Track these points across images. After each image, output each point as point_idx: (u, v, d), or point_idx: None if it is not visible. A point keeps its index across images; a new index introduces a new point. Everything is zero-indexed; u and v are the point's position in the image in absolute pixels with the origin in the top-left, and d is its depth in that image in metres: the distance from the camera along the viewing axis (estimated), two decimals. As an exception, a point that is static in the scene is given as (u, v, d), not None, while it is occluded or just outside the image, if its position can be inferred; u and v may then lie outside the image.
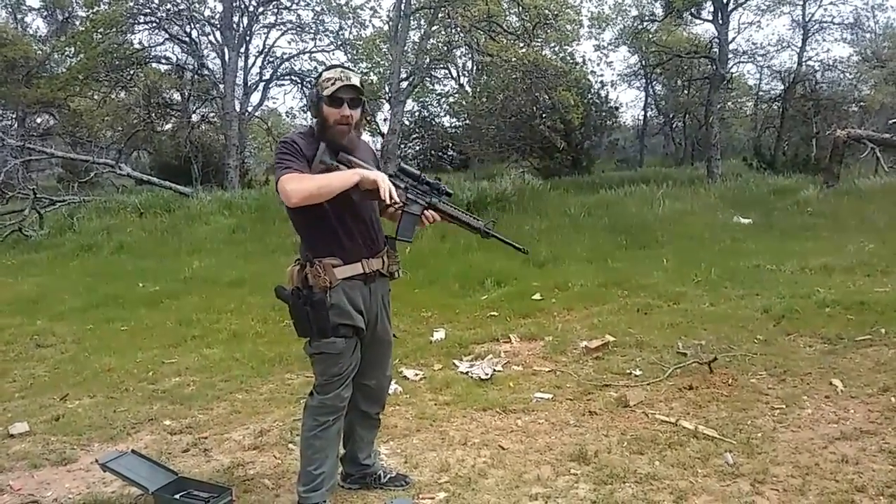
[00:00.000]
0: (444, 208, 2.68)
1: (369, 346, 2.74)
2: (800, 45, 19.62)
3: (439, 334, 5.38)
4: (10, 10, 23.72)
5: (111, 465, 2.89)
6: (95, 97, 19.55)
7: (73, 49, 17.47)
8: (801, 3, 19.06)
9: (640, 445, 3.31)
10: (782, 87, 20.26)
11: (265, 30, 18.92)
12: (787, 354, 4.52)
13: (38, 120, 23.66)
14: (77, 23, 20.56)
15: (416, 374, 4.48)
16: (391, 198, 2.46)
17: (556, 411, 3.82)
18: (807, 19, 19.26)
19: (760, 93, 23.32)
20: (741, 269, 7.12)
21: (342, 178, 2.46)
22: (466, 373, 4.48)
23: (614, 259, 8.05)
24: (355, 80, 2.52)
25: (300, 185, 2.41)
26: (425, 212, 2.65)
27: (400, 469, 3.14)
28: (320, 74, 2.61)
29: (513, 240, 2.87)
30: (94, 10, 16.58)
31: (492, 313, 6.02)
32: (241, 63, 18.18)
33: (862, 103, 19.64)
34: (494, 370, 4.48)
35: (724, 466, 3.07)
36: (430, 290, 6.70)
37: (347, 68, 2.61)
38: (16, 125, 21.04)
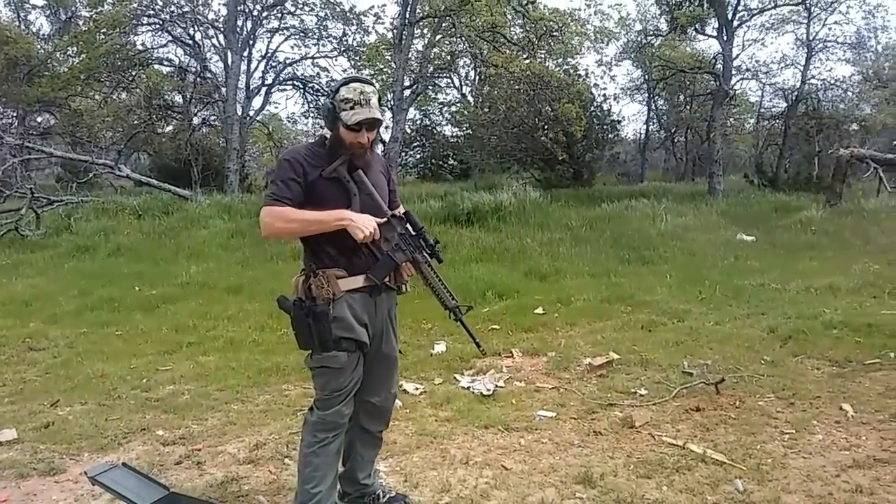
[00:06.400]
0: (425, 270, 2.60)
1: (374, 362, 2.64)
2: (803, 63, 19.64)
3: (440, 347, 5.29)
4: (13, 7, 23.71)
5: (100, 478, 2.78)
6: (96, 97, 19.46)
7: (75, 48, 17.43)
8: (806, 21, 19.09)
9: (647, 469, 3.22)
10: (785, 105, 20.25)
11: (269, 34, 18.90)
12: (794, 377, 4.43)
13: (39, 119, 23.55)
14: (80, 22, 20.50)
15: (417, 388, 4.38)
16: (363, 235, 2.40)
17: (560, 430, 3.73)
18: (811, 38, 19.27)
19: (762, 110, 23.35)
20: (746, 287, 7.05)
21: (320, 224, 2.42)
22: (468, 388, 4.38)
23: (617, 274, 7.97)
24: (374, 102, 2.43)
25: (273, 222, 2.43)
26: (406, 263, 2.57)
27: (399, 488, 3.04)
28: (338, 89, 2.47)
29: (477, 334, 2.80)
30: (98, 10, 16.56)
31: (493, 326, 5.93)
32: (243, 67, 18.13)
33: (864, 123, 19.62)
34: (496, 386, 4.38)
35: (735, 494, 2.97)
36: (430, 301, 6.53)
37: (366, 81, 2.48)
38: (15, 123, 20.92)
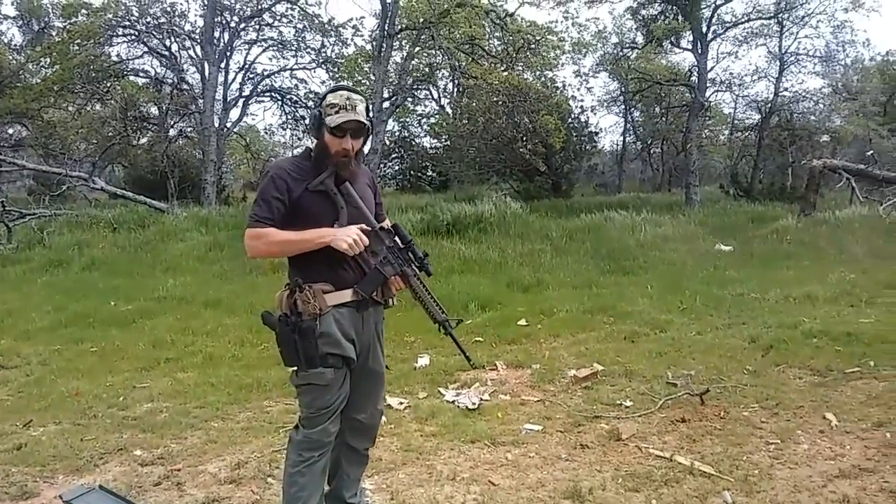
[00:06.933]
0: (414, 284, 2.54)
1: (360, 378, 2.59)
2: (776, 76, 20.01)
3: (423, 360, 5.24)
4: (-16, 19, 23.31)
5: (76, 502, 2.70)
6: (70, 109, 19.16)
7: (48, 59, 17.18)
8: (778, 35, 19.47)
9: (635, 482, 3.20)
10: (758, 117, 20.60)
11: (246, 46, 18.81)
12: (777, 386, 4.45)
13: (10, 131, 23.14)
14: (53, 33, 20.21)
15: (401, 403, 4.32)
16: (347, 245, 2.34)
17: (547, 444, 3.69)
18: (783, 51, 19.65)
19: (736, 121, 23.73)
20: (725, 297, 7.10)
21: (303, 244, 2.39)
22: (453, 402, 4.34)
23: (598, 285, 8.00)
24: (361, 109, 2.40)
25: (256, 245, 2.41)
26: (395, 277, 2.52)
27: (386, 507, 2.98)
28: (325, 96, 2.46)
29: (466, 348, 2.71)
30: (72, 21, 16.35)
31: (477, 339, 5.90)
32: (220, 78, 17.99)
33: (835, 134, 20.01)
34: (482, 399, 4.34)
35: (724, 506, 2.96)
36: (412, 314, 6.49)
37: (353, 90, 2.46)
38: (-14, 136, 20.57)
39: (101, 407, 4.43)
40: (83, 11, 16.29)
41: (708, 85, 18.40)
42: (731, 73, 21.54)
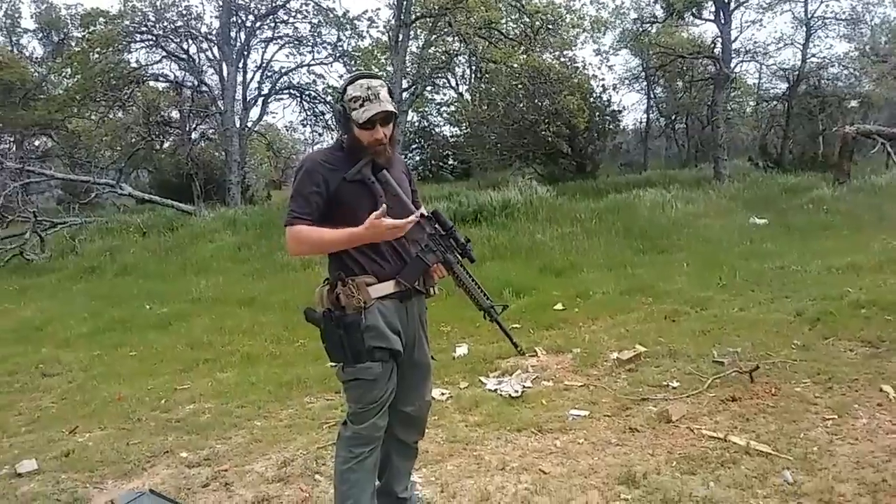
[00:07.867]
0: (458, 271, 2.46)
1: (407, 370, 2.52)
2: (802, 42, 19.44)
3: (462, 349, 5.19)
4: (5, 32, 23.70)
5: (129, 507, 2.69)
6: (93, 117, 19.38)
7: (69, 70, 17.42)
8: (803, -1, 18.87)
9: (690, 465, 3.10)
10: (785, 86, 20.04)
11: (263, 44, 18.83)
12: (828, 360, 4.31)
13: (37, 142, 23.54)
14: (73, 43, 20.44)
15: (443, 394, 4.26)
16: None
17: (595, 429, 3.61)
18: (809, 16, 19.07)
19: (761, 91, 23.14)
20: (765, 271, 6.93)
21: (342, 245, 2.34)
22: (495, 390, 4.27)
23: (633, 265, 7.86)
24: (384, 96, 2.31)
25: (295, 245, 2.38)
26: (437, 265, 2.46)
27: (437, 500, 2.92)
28: (345, 89, 2.36)
29: (513, 334, 2.63)
30: (91, 31, 16.49)
31: (514, 325, 5.81)
32: (239, 78, 18.05)
33: (865, 98, 19.41)
34: (524, 387, 4.27)
35: (785, 486, 2.86)
36: (447, 303, 6.42)
37: (372, 76, 2.37)
38: (14, 148, 20.89)
39: (145, 410, 4.45)
40: (101, 20, 16.42)
41: (732, 55, 17.95)
42: (755, 42, 20.98)
